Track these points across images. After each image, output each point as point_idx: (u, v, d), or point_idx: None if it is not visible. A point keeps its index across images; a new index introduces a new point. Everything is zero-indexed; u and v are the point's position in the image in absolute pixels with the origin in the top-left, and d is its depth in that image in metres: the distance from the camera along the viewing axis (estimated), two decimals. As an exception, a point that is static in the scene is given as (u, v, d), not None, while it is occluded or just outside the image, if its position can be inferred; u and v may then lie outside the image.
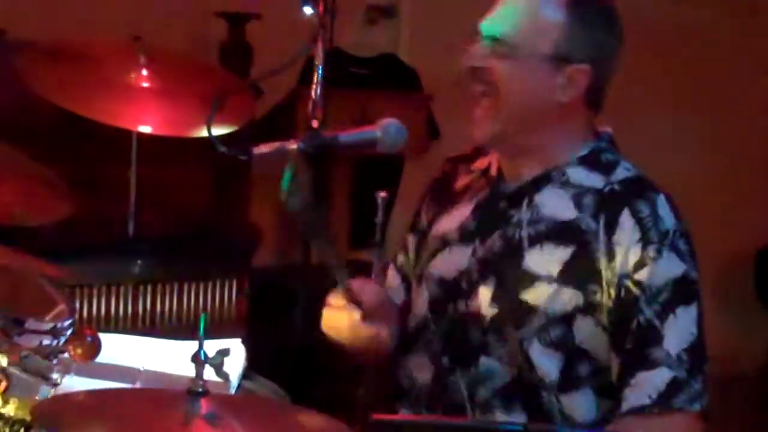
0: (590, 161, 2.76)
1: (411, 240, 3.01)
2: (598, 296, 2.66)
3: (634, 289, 2.64)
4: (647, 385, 2.61)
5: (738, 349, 6.50)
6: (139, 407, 2.32)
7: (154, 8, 5.26)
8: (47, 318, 2.73)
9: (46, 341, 2.63)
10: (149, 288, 4.29)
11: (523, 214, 2.75)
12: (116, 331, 3.95)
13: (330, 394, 3.50)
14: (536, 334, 2.68)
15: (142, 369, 2.89)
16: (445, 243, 2.86)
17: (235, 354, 2.73)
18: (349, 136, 2.92)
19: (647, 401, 2.61)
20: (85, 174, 4.17)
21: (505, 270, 2.74)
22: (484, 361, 2.73)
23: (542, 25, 2.71)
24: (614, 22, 2.77)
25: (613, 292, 2.65)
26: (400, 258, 3.04)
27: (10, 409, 2.53)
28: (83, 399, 2.39)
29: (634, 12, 6.28)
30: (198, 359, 2.26)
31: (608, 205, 2.69)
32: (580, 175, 2.75)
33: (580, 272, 2.67)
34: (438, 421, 2.56)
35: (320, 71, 3.06)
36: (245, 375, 2.94)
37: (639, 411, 2.61)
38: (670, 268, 2.64)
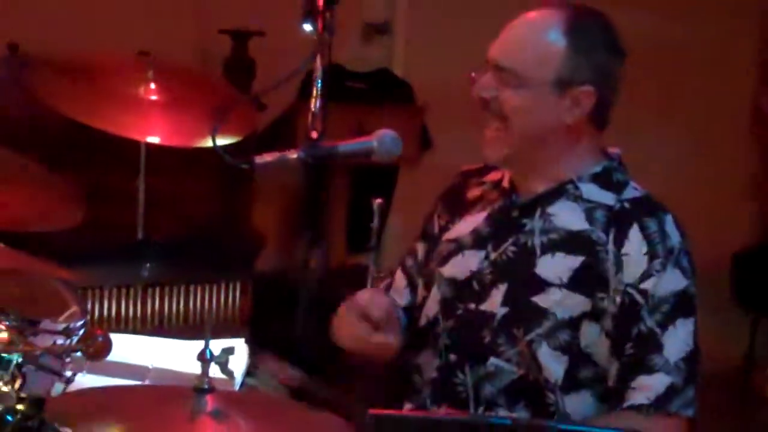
0: (602, 179, 2.78)
1: (421, 246, 3.01)
2: (604, 303, 2.66)
3: (639, 298, 2.65)
4: (646, 388, 2.63)
5: (715, 348, 6.47)
6: (147, 403, 2.33)
7: (161, 25, 5.26)
8: (61, 319, 2.73)
9: (59, 341, 2.63)
10: (157, 290, 4.29)
11: (536, 223, 2.76)
12: (126, 331, 3.97)
13: (331, 391, 3.49)
14: (545, 337, 2.69)
15: (150, 367, 2.89)
16: (458, 247, 2.85)
17: (239, 353, 2.74)
18: (346, 146, 2.93)
19: (646, 401, 2.62)
20: (96, 182, 4.16)
21: (517, 274, 2.75)
22: (492, 360, 2.73)
23: (545, 52, 2.72)
24: (614, 42, 2.78)
25: (618, 300, 2.66)
26: (409, 261, 3.04)
27: (26, 405, 2.54)
28: (95, 396, 2.39)
29: (620, 28, 6.29)
30: (204, 358, 2.26)
31: (618, 221, 2.71)
32: (592, 192, 2.76)
33: (589, 280, 2.68)
34: (429, 416, 2.55)
35: (319, 85, 3.07)
36: (248, 373, 2.95)
37: (638, 409, 2.62)
38: (673, 281, 2.66)
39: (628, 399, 2.64)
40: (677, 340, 2.64)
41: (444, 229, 2.93)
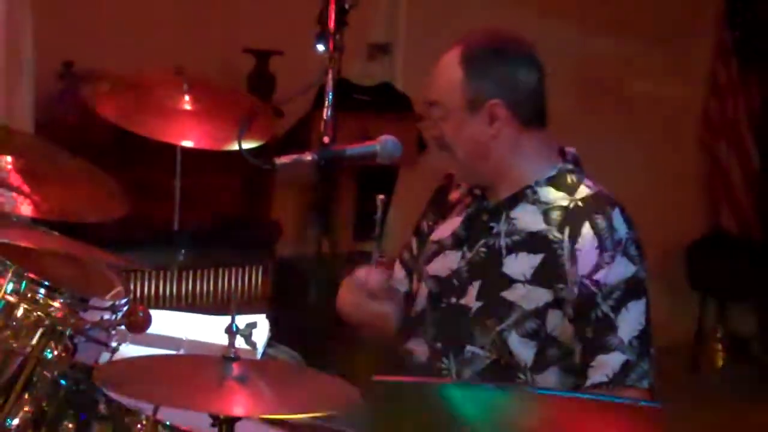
0: (557, 182, 2.75)
1: (414, 241, 3.01)
2: (564, 293, 2.66)
3: (593, 288, 2.64)
4: (605, 366, 2.62)
5: (671, 324, 6.48)
6: (182, 370, 2.32)
7: (194, 45, 5.25)
8: (107, 297, 2.73)
9: (106, 316, 2.63)
10: (190, 273, 4.30)
11: (502, 226, 2.75)
12: (163, 307, 3.97)
13: (340, 361, 3.49)
14: (514, 326, 2.68)
15: (184, 339, 2.88)
16: (441, 247, 2.86)
17: (261, 327, 2.73)
18: (353, 149, 2.92)
19: (605, 379, 2.62)
20: (138, 180, 4.15)
21: (488, 272, 2.74)
22: (469, 348, 2.73)
23: (450, 83, 2.73)
24: (508, 53, 2.76)
25: (575, 290, 2.65)
26: (405, 255, 3.03)
27: (77, 371, 2.54)
28: (136, 363, 2.39)
29: (586, 49, 6.29)
30: (230, 331, 2.26)
31: (572, 219, 2.69)
32: (548, 194, 2.74)
33: (549, 274, 2.67)
34: (427, 382, 2.54)
35: (330, 97, 3.06)
36: (269, 344, 2.94)
37: (598, 386, 2.62)
38: (622, 270, 2.65)
39: (589, 377, 2.64)
40: (630, 321, 2.63)
41: (431, 229, 2.94)
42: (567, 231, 2.68)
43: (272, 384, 2.23)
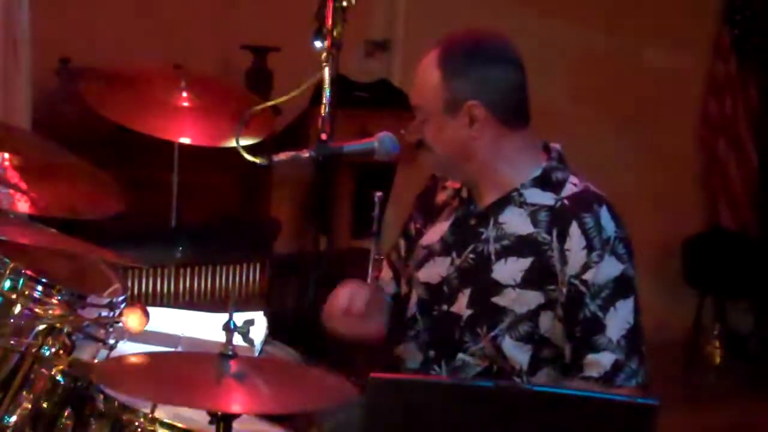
0: (542, 181, 2.74)
1: (402, 243, 3.00)
2: (554, 294, 2.65)
3: (582, 288, 2.63)
4: (594, 365, 2.62)
5: (668, 321, 6.50)
6: (180, 367, 2.32)
7: (192, 41, 5.25)
8: (105, 294, 2.73)
9: (104, 313, 2.63)
10: (188, 270, 4.29)
11: (490, 231, 2.74)
12: (161, 305, 3.97)
13: (337, 358, 3.49)
14: (507, 331, 2.67)
15: (182, 336, 2.89)
16: (430, 253, 2.83)
17: (259, 324, 2.74)
18: (351, 146, 2.93)
19: (596, 375, 2.62)
20: (135, 177, 4.15)
21: (478, 279, 2.73)
22: (460, 356, 2.72)
23: (429, 87, 2.71)
24: (485, 53, 2.73)
25: (565, 291, 2.64)
26: (393, 256, 3.03)
27: (75, 368, 2.54)
28: (134, 360, 2.39)
29: (586, 47, 6.31)
30: (228, 328, 2.26)
31: (559, 220, 2.68)
32: (534, 195, 2.72)
33: (539, 276, 2.66)
34: (424, 379, 2.55)
35: (328, 94, 3.06)
36: (267, 341, 2.94)
37: (588, 380, 2.62)
38: (610, 269, 2.64)
39: (582, 372, 2.64)
40: (618, 320, 2.63)
41: (419, 232, 2.92)
42: (555, 232, 2.67)
43: (270, 381, 2.23)
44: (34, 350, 2.53)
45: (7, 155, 2.92)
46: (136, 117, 3.65)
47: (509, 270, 2.68)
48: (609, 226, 2.66)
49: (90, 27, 5.16)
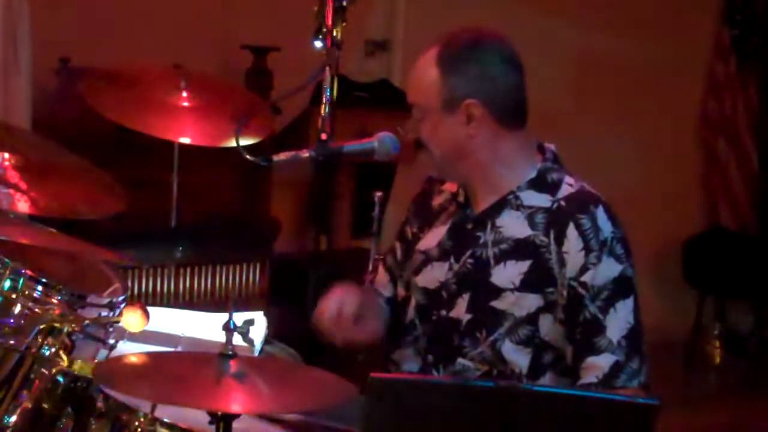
0: (538, 183, 2.73)
1: (398, 247, 2.98)
2: (554, 296, 2.65)
3: (581, 290, 2.63)
4: (595, 367, 2.62)
5: (669, 322, 6.50)
6: (179, 367, 2.32)
7: (192, 41, 5.26)
8: (105, 294, 2.73)
9: (104, 313, 2.63)
10: (188, 270, 4.29)
11: (488, 236, 2.73)
12: (161, 305, 3.97)
13: (336, 358, 3.49)
14: (507, 335, 2.67)
15: (182, 336, 2.89)
16: (427, 259, 2.83)
17: (259, 324, 2.74)
18: (351, 146, 2.93)
19: (594, 380, 2.62)
20: (135, 177, 4.15)
21: (477, 284, 2.72)
22: (460, 360, 2.72)
23: (427, 84, 2.71)
24: (485, 52, 2.72)
25: (564, 293, 2.64)
26: (389, 259, 3.01)
27: (75, 368, 2.54)
28: (134, 360, 2.38)
29: (586, 47, 6.30)
30: (228, 328, 2.26)
31: (556, 221, 2.67)
32: (531, 197, 2.72)
33: (538, 279, 2.66)
34: (424, 379, 2.55)
35: (328, 94, 3.06)
36: (267, 341, 2.94)
37: (587, 387, 2.61)
38: (609, 269, 2.64)
39: (581, 378, 2.64)
40: (618, 321, 2.63)
41: (415, 236, 2.91)
42: (552, 234, 2.66)
43: (270, 381, 2.23)
44: (34, 350, 2.53)
45: (6, 155, 2.92)
46: (136, 117, 3.66)
47: (508, 273, 2.68)
48: (606, 226, 2.66)
49: (90, 27, 5.16)
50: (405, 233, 2.96)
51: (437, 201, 2.90)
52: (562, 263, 2.64)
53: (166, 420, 2.49)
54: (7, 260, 2.56)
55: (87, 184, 3.02)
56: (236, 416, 2.18)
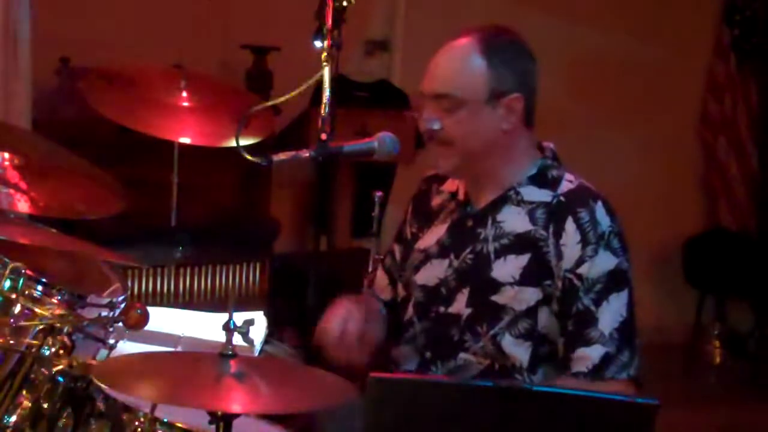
0: (539, 179, 2.75)
1: (397, 248, 2.99)
2: (551, 289, 2.66)
3: (576, 282, 2.64)
4: (585, 358, 2.63)
5: (669, 322, 6.50)
6: (179, 367, 2.32)
7: (192, 41, 5.26)
8: (105, 294, 2.73)
9: (104, 313, 2.63)
10: (188, 270, 4.29)
11: (489, 231, 2.74)
12: (161, 305, 3.97)
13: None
14: (507, 329, 2.68)
15: (182, 336, 2.89)
16: (427, 257, 2.83)
17: (259, 324, 2.74)
18: (351, 146, 2.92)
19: (584, 370, 2.62)
20: (135, 176, 4.15)
21: (477, 278, 2.73)
22: (462, 355, 2.72)
23: (472, 74, 2.69)
24: (524, 48, 2.75)
25: (560, 285, 2.65)
26: (388, 261, 3.02)
27: (75, 368, 2.53)
28: (134, 360, 2.38)
29: (586, 46, 6.30)
30: (228, 328, 2.26)
31: (556, 216, 2.69)
32: (531, 193, 2.73)
33: (537, 273, 2.67)
34: (424, 379, 2.55)
35: (328, 93, 3.06)
36: (266, 341, 2.94)
37: (577, 376, 2.62)
38: (604, 263, 2.65)
39: (571, 368, 2.64)
40: (610, 313, 2.63)
41: (415, 236, 2.91)
42: (551, 228, 2.68)
43: (270, 381, 2.23)
44: (34, 350, 2.53)
45: (7, 155, 2.92)
46: (137, 117, 3.66)
47: (508, 268, 2.69)
48: (604, 220, 2.67)
49: (90, 27, 5.17)
50: (404, 233, 2.96)
51: (436, 201, 2.90)
52: (559, 256, 2.65)
53: (166, 420, 2.49)
54: (7, 260, 2.56)
55: (87, 184, 3.02)
56: (236, 416, 2.18)
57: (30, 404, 2.53)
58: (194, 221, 4.46)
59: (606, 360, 2.61)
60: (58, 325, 2.55)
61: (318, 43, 3.11)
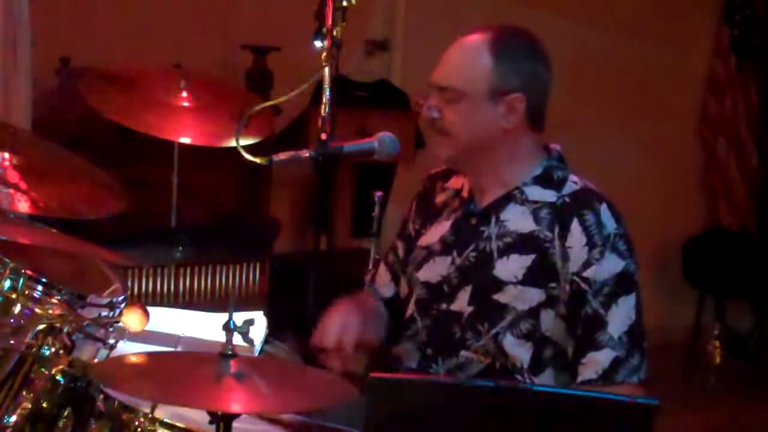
0: (544, 179, 2.75)
1: (400, 245, 2.99)
2: (556, 291, 2.66)
3: (583, 285, 2.64)
4: (595, 363, 2.63)
5: (669, 322, 6.50)
6: (179, 367, 2.32)
7: (192, 41, 5.26)
8: (105, 294, 2.73)
9: (104, 313, 2.63)
10: (188, 270, 4.29)
11: (492, 229, 2.74)
12: (161, 305, 3.97)
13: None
14: (509, 328, 2.68)
15: (182, 336, 2.89)
16: (429, 254, 2.83)
17: (259, 324, 2.74)
18: (351, 146, 2.92)
19: (594, 376, 2.62)
20: (135, 176, 4.14)
21: (479, 277, 2.73)
22: (463, 353, 2.72)
23: (476, 68, 2.69)
24: (536, 52, 2.75)
25: (567, 288, 2.65)
26: (390, 258, 3.02)
27: (75, 368, 2.53)
28: (134, 360, 2.38)
29: (586, 46, 6.30)
30: (228, 328, 2.26)
31: (561, 217, 2.69)
32: (536, 193, 2.74)
33: (541, 274, 2.67)
34: (424, 379, 2.55)
35: (328, 93, 3.06)
36: (266, 341, 2.94)
37: (587, 383, 2.62)
38: (611, 265, 2.64)
39: (580, 374, 2.64)
40: (619, 317, 2.63)
41: (418, 233, 2.92)
42: (557, 229, 2.68)
43: (270, 381, 2.23)
44: (34, 350, 2.53)
45: (7, 155, 2.92)
46: (137, 117, 3.65)
47: (511, 267, 2.69)
48: (609, 223, 2.67)
49: (90, 27, 5.17)
50: (407, 231, 2.97)
51: (440, 198, 2.90)
52: (565, 258, 2.65)
53: (166, 420, 2.49)
54: (7, 260, 2.56)
55: (87, 184, 3.02)
56: (236, 416, 2.18)
57: (30, 404, 2.53)
58: (194, 221, 4.46)
59: (616, 364, 2.61)
60: (58, 325, 2.55)
61: (318, 43, 3.11)
